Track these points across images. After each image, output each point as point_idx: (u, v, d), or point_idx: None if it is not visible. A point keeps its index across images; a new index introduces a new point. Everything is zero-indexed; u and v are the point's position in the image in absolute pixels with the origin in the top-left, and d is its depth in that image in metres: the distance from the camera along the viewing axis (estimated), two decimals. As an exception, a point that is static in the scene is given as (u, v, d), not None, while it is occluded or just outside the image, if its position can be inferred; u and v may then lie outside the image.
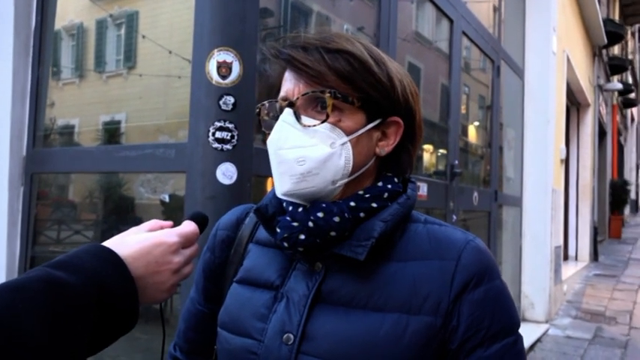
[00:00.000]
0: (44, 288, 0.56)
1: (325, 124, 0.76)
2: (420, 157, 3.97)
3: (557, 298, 6.13)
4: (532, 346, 4.74)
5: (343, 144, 0.77)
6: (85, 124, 2.79)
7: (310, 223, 0.76)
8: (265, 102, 0.83)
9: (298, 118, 0.77)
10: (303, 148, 0.76)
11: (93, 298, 0.60)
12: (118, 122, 2.72)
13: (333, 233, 0.76)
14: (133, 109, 2.70)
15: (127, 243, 0.68)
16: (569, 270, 7.82)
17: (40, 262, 2.44)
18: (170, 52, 2.39)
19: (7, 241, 2.32)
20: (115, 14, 2.72)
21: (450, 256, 0.77)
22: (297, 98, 0.77)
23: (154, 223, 0.75)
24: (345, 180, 0.78)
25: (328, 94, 0.75)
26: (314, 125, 0.76)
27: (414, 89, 0.84)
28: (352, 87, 0.76)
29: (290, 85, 0.79)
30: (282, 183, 0.78)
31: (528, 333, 5.01)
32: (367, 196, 0.79)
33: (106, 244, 0.67)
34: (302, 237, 0.76)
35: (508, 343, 0.75)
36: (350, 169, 0.78)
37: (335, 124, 0.77)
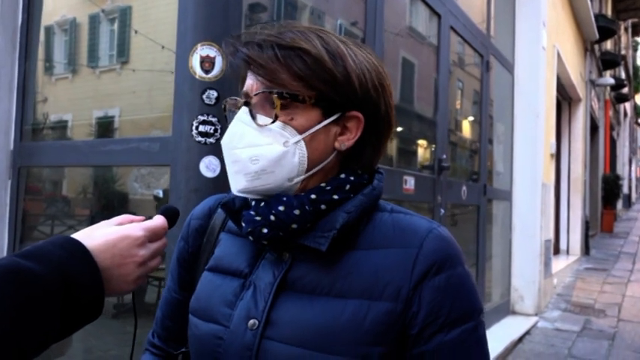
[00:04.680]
0: (11, 276, 0.58)
1: (277, 122, 0.77)
2: (413, 152, 4.00)
3: (547, 291, 6.19)
4: (521, 339, 4.80)
5: (297, 142, 0.77)
6: (78, 119, 2.80)
7: (272, 217, 0.78)
8: (228, 98, 0.85)
9: (254, 117, 0.78)
10: (256, 147, 0.77)
11: (59, 287, 0.62)
12: (112, 117, 2.73)
13: (294, 226, 0.78)
14: (127, 103, 2.71)
15: (94, 236, 0.71)
16: (560, 264, 7.89)
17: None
18: (163, 47, 2.40)
19: (-6, 235, 2.35)
20: (107, 9, 2.72)
21: (412, 244, 0.78)
22: (251, 97, 0.79)
23: (125, 217, 0.78)
24: (303, 176, 0.79)
25: (275, 95, 0.76)
26: (266, 125, 0.77)
27: (381, 82, 0.83)
28: (305, 84, 0.77)
29: (250, 81, 0.80)
30: (236, 181, 0.80)
31: (517, 325, 5.07)
32: (328, 188, 0.80)
33: (75, 236, 0.70)
34: (265, 231, 0.78)
35: (468, 328, 0.76)
36: (306, 166, 0.79)
37: (287, 122, 0.77)
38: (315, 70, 0.76)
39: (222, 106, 0.85)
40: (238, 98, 0.82)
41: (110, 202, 2.63)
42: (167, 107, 2.52)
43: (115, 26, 2.71)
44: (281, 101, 0.76)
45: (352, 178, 0.82)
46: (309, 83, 0.77)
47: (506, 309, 5.41)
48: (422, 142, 4.13)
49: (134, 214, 0.81)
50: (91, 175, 2.61)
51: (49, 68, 2.75)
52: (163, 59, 2.39)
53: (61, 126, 2.81)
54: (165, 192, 2.35)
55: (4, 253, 2.38)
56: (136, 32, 2.60)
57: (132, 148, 1.98)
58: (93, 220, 2.81)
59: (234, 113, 0.82)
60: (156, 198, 2.42)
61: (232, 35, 0.81)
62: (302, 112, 0.78)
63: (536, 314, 5.53)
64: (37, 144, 2.53)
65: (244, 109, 0.79)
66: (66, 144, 2.52)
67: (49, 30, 2.68)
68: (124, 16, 2.67)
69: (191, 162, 1.78)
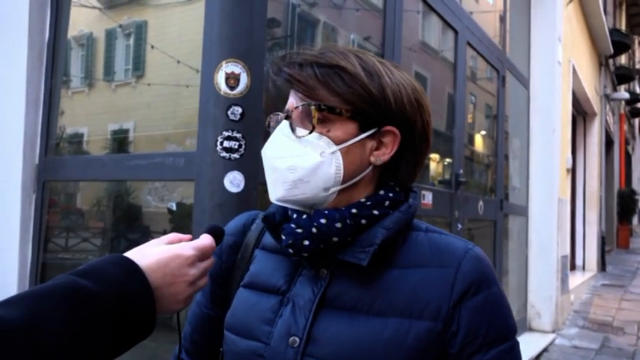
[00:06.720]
0: (69, 294, 0.60)
1: (314, 133, 0.80)
2: (426, 166, 3.99)
3: (564, 307, 6.10)
4: (538, 356, 4.73)
5: (333, 153, 0.80)
6: (93, 133, 2.84)
7: (314, 229, 0.79)
8: (272, 115, 0.88)
9: (293, 130, 0.81)
10: (294, 157, 0.80)
11: (115, 305, 0.63)
12: (127, 131, 2.76)
13: (335, 239, 0.79)
14: (142, 117, 2.74)
15: (146, 255, 0.71)
16: (576, 280, 7.78)
17: (50, 268, 2.48)
18: (178, 62, 2.43)
19: (19, 247, 2.37)
20: (124, 24, 2.77)
21: (450, 264, 0.80)
22: (292, 111, 0.82)
23: (174, 236, 0.79)
24: (338, 187, 0.81)
25: (313, 107, 0.79)
26: (303, 135, 0.80)
27: (417, 98, 0.85)
28: (342, 100, 0.80)
29: (291, 99, 0.84)
30: (275, 190, 0.82)
31: (534, 343, 4.99)
32: (368, 203, 0.82)
33: (127, 254, 0.71)
34: (306, 243, 0.79)
35: (505, 348, 0.79)
36: (341, 177, 0.81)
37: (324, 133, 0.80)
38: (352, 86, 0.80)
39: (267, 122, 0.88)
40: (281, 113, 0.85)
41: (124, 215, 2.65)
42: (182, 122, 2.55)
43: (131, 41, 2.75)
44: (318, 113, 0.79)
45: (391, 194, 0.84)
46: (345, 99, 0.80)
47: (522, 326, 5.34)
48: (438, 156, 4.13)
49: (180, 231, 0.82)
50: (105, 187, 2.64)
51: (66, 82, 2.79)
52: (178, 74, 2.42)
53: (77, 140, 2.85)
54: (178, 205, 2.37)
55: (28, 265, 2.40)
56: (152, 47, 2.64)
57: (157, 163, 2.00)
58: (107, 233, 2.85)
59: (275, 128, 0.85)
60: (169, 211, 2.44)
61: (281, 56, 0.86)
62: (339, 125, 0.81)
63: (553, 331, 5.45)
64: (61, 158, 2.56)
65: (285, 122, 0.82)
66: (90, 158, 2.56)
67: (66, 44, 2.72)
68: (140, 31, 2.71)
69: (215, 177, 1.79)
